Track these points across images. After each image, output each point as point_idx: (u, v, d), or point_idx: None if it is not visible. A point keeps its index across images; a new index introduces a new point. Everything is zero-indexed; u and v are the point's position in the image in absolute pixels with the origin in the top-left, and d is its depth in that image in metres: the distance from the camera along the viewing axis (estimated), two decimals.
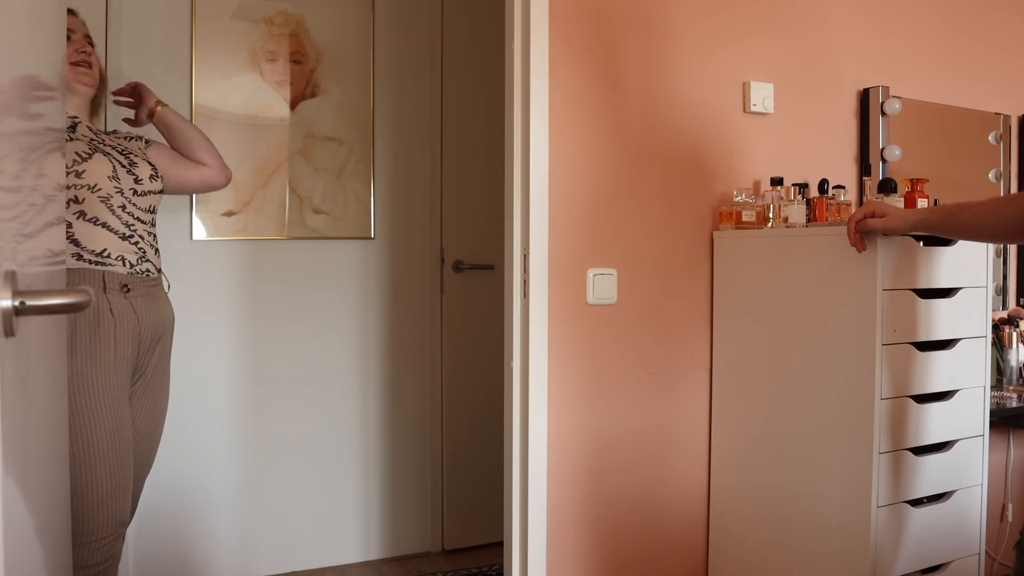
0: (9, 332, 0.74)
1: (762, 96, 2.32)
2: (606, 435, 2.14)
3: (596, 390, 2.12)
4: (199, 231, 2.62)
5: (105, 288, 1.81)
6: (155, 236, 1.97)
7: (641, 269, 2.18)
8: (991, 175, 2.87)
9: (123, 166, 1.90)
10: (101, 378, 1.76)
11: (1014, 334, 2.65)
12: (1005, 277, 2.90)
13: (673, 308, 2.23)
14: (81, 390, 1.73)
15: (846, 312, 1.92)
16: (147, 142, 2.06)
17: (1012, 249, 2.90)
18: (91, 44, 1.95)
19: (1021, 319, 2.68)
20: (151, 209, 1.96)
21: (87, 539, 1.73)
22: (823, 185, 2.16)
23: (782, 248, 2.08)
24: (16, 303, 0.75)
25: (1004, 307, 2.87)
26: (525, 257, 2.03)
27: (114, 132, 2.07)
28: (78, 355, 1.74)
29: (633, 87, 2.17)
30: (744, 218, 2.19)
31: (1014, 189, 2.90)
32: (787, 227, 2.10)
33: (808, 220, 2.10)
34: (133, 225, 1.89)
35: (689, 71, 2.24)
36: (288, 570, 2.78)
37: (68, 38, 1.85)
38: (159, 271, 1.96)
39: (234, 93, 2.66)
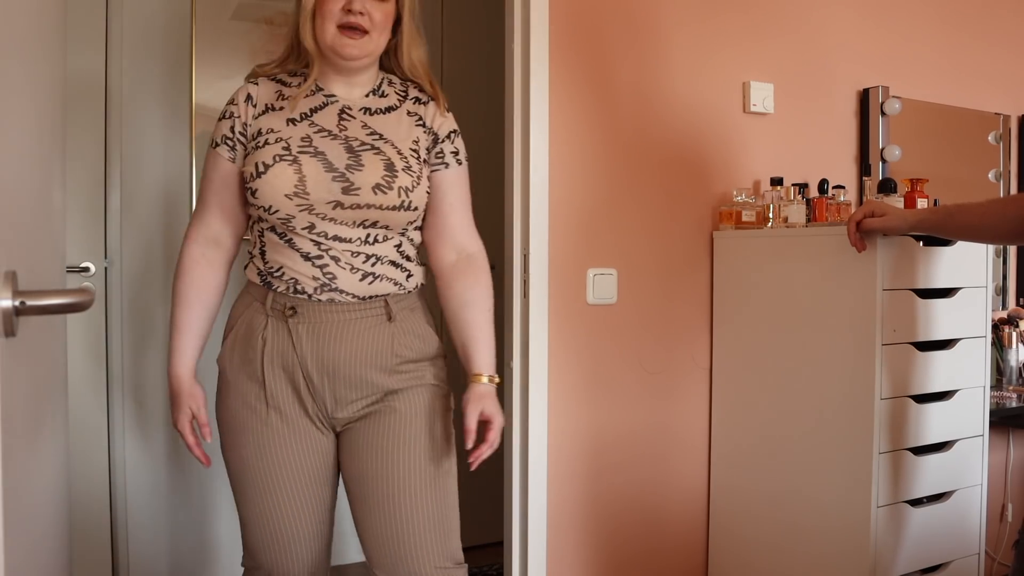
0: (9, 332, 0.74)
1: (762, 96, 2.32)
2: (606, 435, 2.14)
3: (596, 390, 2.12)
4: None
5: (268, 308, 1.47)
6: (376, 257, 1.46)
7: (641, 269, 2.18)
8: (991, 175, 2.87)
9: (331, 170, 1.40)
10: (236, 405, 1.51)
11: (1014, 334, 2.65)
12: (1005, 277, 2.90)
13: (673, 308, 2.23)
14: (218, 413, 1.56)
15: (846, 312, 1.92)
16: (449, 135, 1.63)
17: (1012, 249, 2.90)
18: None
19: (1021, 319, 2.68)
20: (370, 223, 1.44)
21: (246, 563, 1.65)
22: (823, 185, 2.16)
23: (782, 248, 2.08)
24: (16, 303, 0.74)
25: (1004, 307, 2.87)
26: (525, 257, 2.03)
27: (385, 92, 1.57)
28: (224, 377, 1.53)
29: (633, 88, 2.17)
30: (744, 218, 2.19)
31: (1014, 189, 2.90)
32: (787, 227, 2.10)
33: (808, 220, 2.10)
34: (325, 245, 1.42)
35: (689, 72, 2.24)
36: None
37: None
38: (364, 298, 1.46)
39: None
